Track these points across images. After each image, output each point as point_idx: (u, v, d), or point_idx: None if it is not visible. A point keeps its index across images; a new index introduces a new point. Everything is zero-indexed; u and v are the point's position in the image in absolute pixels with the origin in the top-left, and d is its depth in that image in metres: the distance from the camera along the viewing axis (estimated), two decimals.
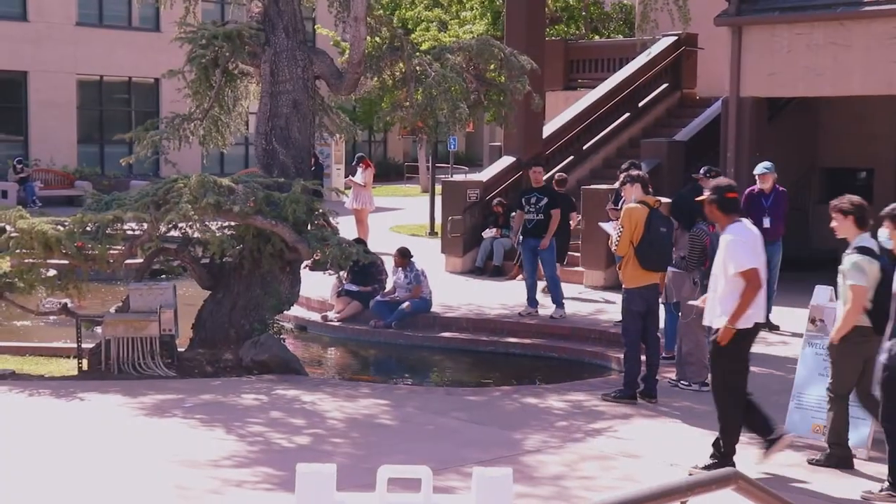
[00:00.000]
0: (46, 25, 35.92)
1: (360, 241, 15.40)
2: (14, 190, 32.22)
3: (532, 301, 14.98)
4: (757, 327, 8.32)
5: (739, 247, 8.17)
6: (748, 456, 8.39)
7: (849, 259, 8.14)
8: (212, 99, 13.22)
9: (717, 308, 8.28)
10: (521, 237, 15.26)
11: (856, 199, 8.34)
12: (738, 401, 8.29)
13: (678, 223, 11.25)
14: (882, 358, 7.70)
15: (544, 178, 16.29)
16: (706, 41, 22.31)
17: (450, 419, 9.71)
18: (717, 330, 8.24)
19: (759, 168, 14.49)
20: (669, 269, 11.13)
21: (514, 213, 16.94)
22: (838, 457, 8.47)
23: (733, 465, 7.90)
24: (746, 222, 8.52)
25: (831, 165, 21.27)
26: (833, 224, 8.40)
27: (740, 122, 17.80)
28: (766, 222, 14.03)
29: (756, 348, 12.89)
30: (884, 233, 8.17)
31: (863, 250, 8.16)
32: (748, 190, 14.38)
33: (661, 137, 20.54)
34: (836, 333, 8.28)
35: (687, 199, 11.30)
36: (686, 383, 11.02)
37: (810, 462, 8.55)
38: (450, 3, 34.85)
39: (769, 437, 8.26)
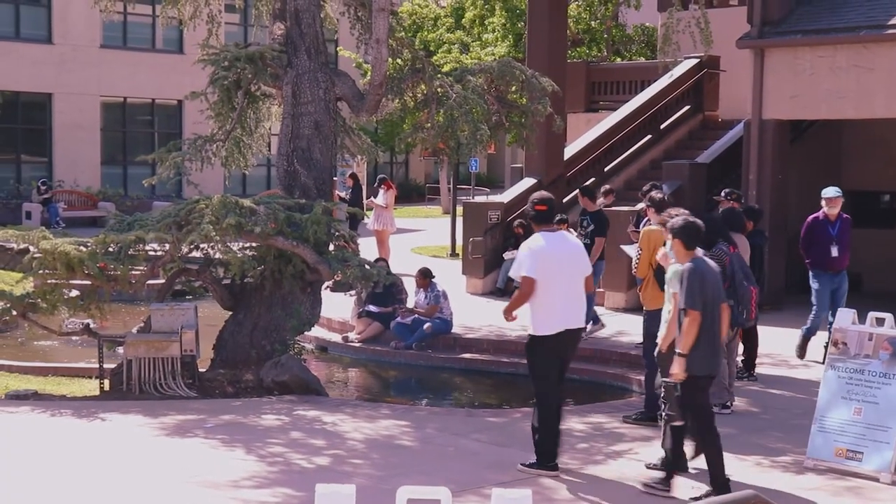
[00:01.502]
0: (71, 48, 36.20)
1: (382, 261, 15.41)
2: (38, 211, 32.43)
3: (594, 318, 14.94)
4: (557, 336, 8.73)
5: (528, 255, 8.84)
6: (750, 472, 8.34)
7: (671, 268, 8.39)
8: (234, 120, 13.28)
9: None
10: None
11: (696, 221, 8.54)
12: (545, 410, 8.75)
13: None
14: None
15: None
16: (728, 63, 22.30)
17: (470, 441, 9.69)
18: None
19: (831, 191, 13.51)
20: None
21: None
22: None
23: (556, 468, 8.62)
24: (562, 234, 9.15)
25: (854, 188, 21.17)
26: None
27: (762, 144, 17.76)
28: (835, 251, 13.27)
29: (778, 371, 12.98)
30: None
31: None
32: (811, 218, 13.64)
33: (683, 160, 20.49)
34: (662, 342, 8.55)
35: (709, 221, 11.26)
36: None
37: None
38: (472, 25, 34.97)
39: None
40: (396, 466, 8.81)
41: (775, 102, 17.58)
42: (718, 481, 7.86)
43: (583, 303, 9.03)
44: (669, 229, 8.39)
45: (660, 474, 8.30)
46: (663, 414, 8.51)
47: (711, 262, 8.38)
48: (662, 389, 8.47)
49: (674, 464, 8.32)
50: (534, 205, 9.12)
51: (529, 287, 8.73)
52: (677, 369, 7.97)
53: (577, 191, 16.20)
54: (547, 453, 8.72)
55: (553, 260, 8.83)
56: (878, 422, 8.75)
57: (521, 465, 8.72)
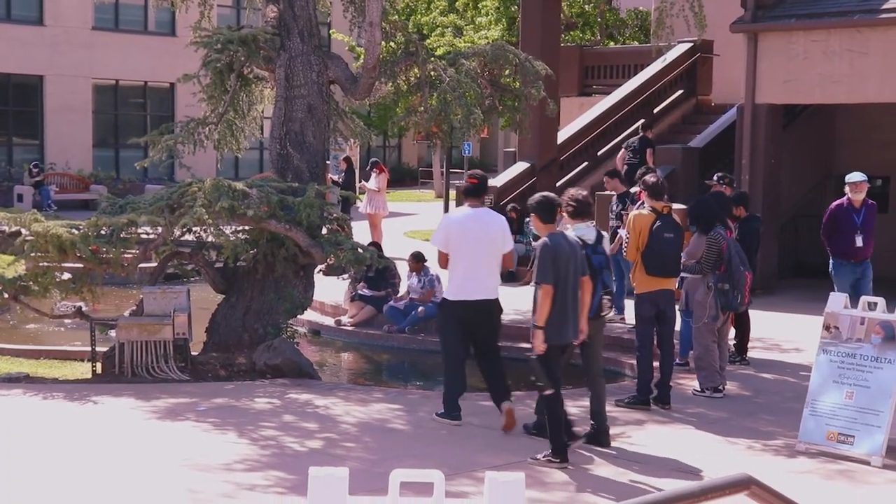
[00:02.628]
0: (63, 30, 36.06)
1: (375, 246, 15.40)
2: (30, 194, 32.36)
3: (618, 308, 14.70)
4: (457, 304, 9.41)
5: (439, 227, 9.57)
6: (741, 456, 8.36)
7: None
8: (227, 103, 13.25)
9: None
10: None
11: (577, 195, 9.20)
12: (451, 364, 9.67)
13: (697, 228, 11.23)
14: None
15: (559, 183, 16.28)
16: (722, 48, 22.29)
17: (463, 425, 9.69)
18: None
19: (856, 176, 12.94)
20: (685, 274, 11.11)
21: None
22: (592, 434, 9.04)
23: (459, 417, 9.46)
24: (483, 211, 9.56)
25: (847, 173, 21.19)
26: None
27: (755, 128, 17.77)
28: (859, 240, 12.66)
29: (770, 355, 13.00)
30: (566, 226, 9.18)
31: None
32: (835, 204, 13.19)
33: (676, 144, 20.52)
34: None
35: (707, 205, 11.31)
36: (699, 390, 10.98)
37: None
38: (465, 8, 34.91)
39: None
40: (389, 450, 8.81)
41: (769, 87, 17.58)
42: (556, 444, 8.37)
43: (492, 278, 9.47)
44: (528, 205, 8.87)
45: (547, 449, 8.49)
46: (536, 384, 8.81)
47: (572, 237, 8.75)
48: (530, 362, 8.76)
49: (556, 433, 8.50)
50: (468, 177, 9.82)
51: (439, 257, 9.58)
52: (537, 341, 8.38)
53: (605, 175, 16.14)
54: (450, 403, 9.56)
55: (462, 233, 9.39)
56: (870, 405, 8.78)
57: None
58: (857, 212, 12.83)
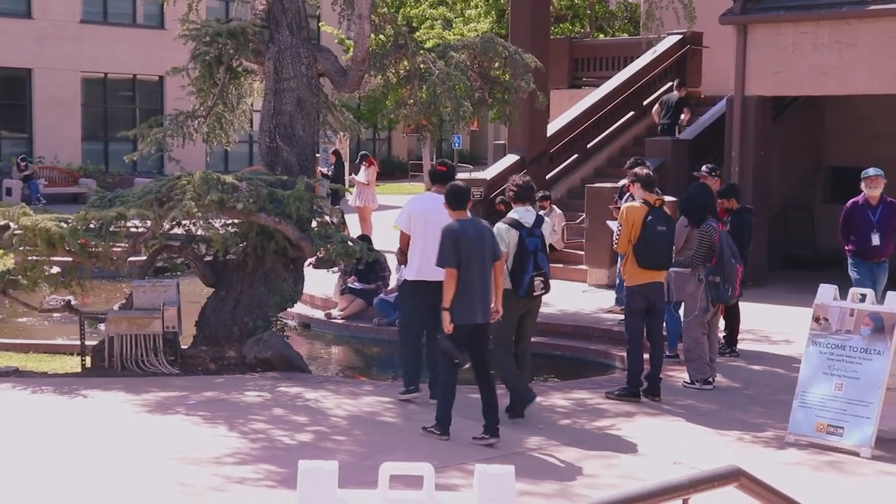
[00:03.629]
0: (51, 23, 35.94)
1: (364, 239, 15.38)
2: (18, 187, 32.26)
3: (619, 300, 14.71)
4: (416, 284, 9.96)
5: (402, 211, 10.25)
6: (731, 447, 8.37)
7: (495, 227, 9.53)
8: (216, 96, 13.22)
9: None
10: None
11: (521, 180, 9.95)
12: (405, 342, 10.35)
13: (689, 220, 11.23)
14: None
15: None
16: (711, 40, 22.28)
17: (453, 417, 9.67)
18: None
19: (871, 171, 12.34)
20: (672, 268, 11.12)
21: None
22: (514, 391, 9.79)
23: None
24: (438, 197, 9.77)
25: (836, 164, 21.24)
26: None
27: (745, 120, 17.77)
28: (876, 239, 12.17)
29: (760, 347, 13.03)
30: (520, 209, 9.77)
31: (508, 221, 9.70)
32: (851, 202, 12.65)
33: (666, 136, 20.52)
34: (496, 300, 9.28)
35: (697, 197, 11.31)
36: (689, 382, 11.00)
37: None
38: (454, 1, 34.87)
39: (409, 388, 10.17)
40: (379, 443, 8.81)
41: (758, 78, 17.59)
42: (441, 419, 8.98)
43: None
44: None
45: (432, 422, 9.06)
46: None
47: (484, 224, 9.29)
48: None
49: (445, 406, 9.09)
50: (437, 165, 10.36)
51: (401, 237, 10.25)
52: (445, 322, 8.87)
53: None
54: (406, 379, 10.19)
55: (421, 217, 9.99)
56: (859, 397, 8.80)
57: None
58: (872, 209, 12.34)
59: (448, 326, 8.86)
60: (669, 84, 21.52)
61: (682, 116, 20.51)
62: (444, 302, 8.85)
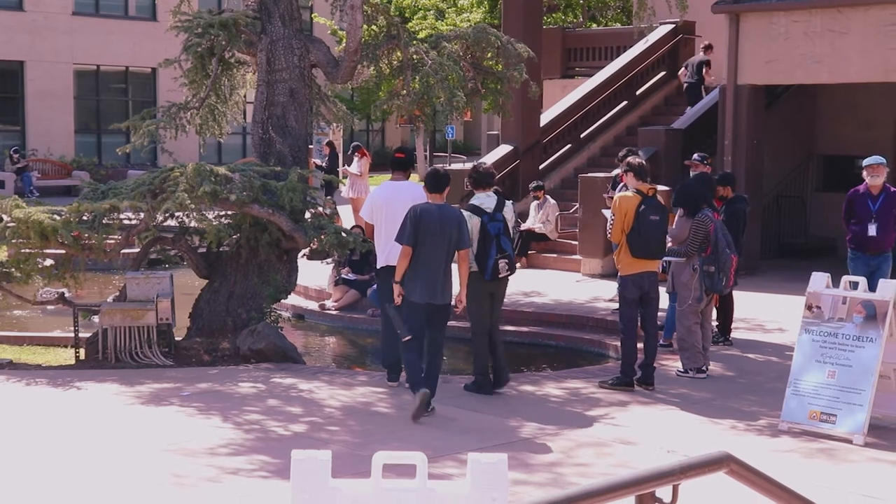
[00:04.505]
0: (43, 15, 35.85)
1: (358, 230, 15.38)
2: (11, 180, 32.19)
3: None
4: (385, 270, 10.14)
5: (367, 199, 10.44)
6: (724, 435, 8.39)
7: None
8: (208, 88, 13.20)
9: None
10: None
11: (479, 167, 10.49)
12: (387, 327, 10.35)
13: (684, 210, 11.23)
14: None
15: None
16: (704, 29, 22.30)
17: (446, 407, 9.71)
18: None
19: (871, 159, 11.75)
20: (670, 258, 11.14)
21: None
22: (479, 383, 10.25)
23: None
24: (403, 184, 10.39)
25: (829, 153, 21.28)
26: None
27: (738, 109, 17.80)
28: (872, 230, 11.66)
29: (753, 336, 13.06)
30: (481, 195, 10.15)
31: (468, 207, 10.06)
32: (852, 190, 12.12)
33: (659, 125, 20.55)
34: (462, 287, 9.64)
35: (692, 187, 11.33)
36: (682, 371, 11.03)
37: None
38: None
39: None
40: (373, 433, 8.83)
41: (750, 68, 17.60)
42: (413, 384, 9.36)
43: None
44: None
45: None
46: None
47: (454, 211, 9.60)
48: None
49: (411, 375, 9.49)
50: (395, 152, 10.80)
51: (366, 227, 10.67)
52: (395, 293, 9.39)
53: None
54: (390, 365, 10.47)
55: (382, 206, 10.25)
56: (852, 384, 8.83)
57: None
58: (873, 198, 11.80)
59: (398, 298, 9.37)
60: (705, 45, 21.90)
61: (706, 75, 21.11)
62: (396, 276, 9.35)
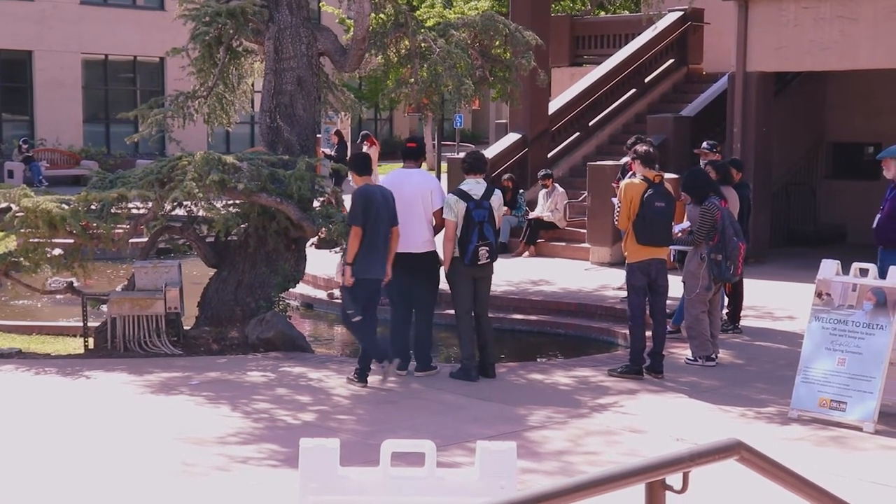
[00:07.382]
0: (51, 4, 35.87)
1: None
2: (20, 170, 32.24)
3: None
4: (399, 255, 10.22)
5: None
6: (734, 423, 8.37)
7: (445, 198, 10.28)
8: (216, 77, 13.19)
9: None
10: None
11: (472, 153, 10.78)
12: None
13: (691, 198, 11.18)
14: None
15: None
16: (713, 16, 22.22)
17: (455, 395, 9.71)
18: None
19: (886, 151, 11.20)
20: (678, 247, 11.11)
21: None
22: (465, 368, 10.30)
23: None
24: (410, 172, 10.55)
25: (838, 140, 21.21)
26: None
27: (747, 97, 17.74)
28: (877, 220, 11.08)
29: (763, 323, 13.03)
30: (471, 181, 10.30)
31: (455, 191, 10.25)
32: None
33: (668, 113, 20.49)
34: (444, 264, 10.19)
35: (699, 174, 11.28)
36: (692, 358, 11.00)
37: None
38: None
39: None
40: (382, 422, 8.83)
41: (759, 54, 17.54)
42: (362, 366, 9.93)
43: (421, 232, 10.29)
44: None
45: (358, 367, 9.97)
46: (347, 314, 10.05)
47: (388, 190, 10.02)
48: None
49: (368, 355, 9.98)
50: (406, 142, 10.97)
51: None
52: (346, 276, 9.82)
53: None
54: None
55: (394, 191, 10.22)
56: (862, 372, 8.80)
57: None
58: (890, 190, 11.09)
59: (349, 280, 9.81)
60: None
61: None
62: (348, 258, 9.80)
